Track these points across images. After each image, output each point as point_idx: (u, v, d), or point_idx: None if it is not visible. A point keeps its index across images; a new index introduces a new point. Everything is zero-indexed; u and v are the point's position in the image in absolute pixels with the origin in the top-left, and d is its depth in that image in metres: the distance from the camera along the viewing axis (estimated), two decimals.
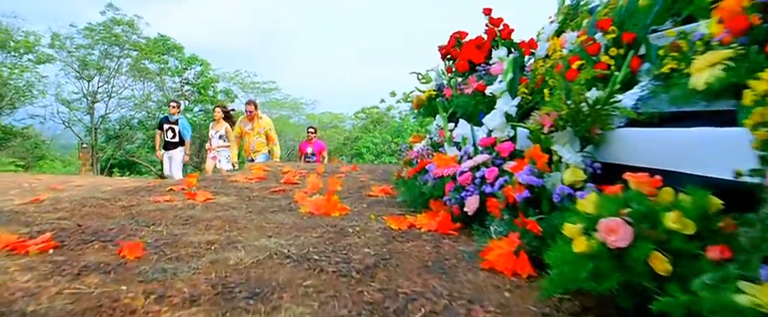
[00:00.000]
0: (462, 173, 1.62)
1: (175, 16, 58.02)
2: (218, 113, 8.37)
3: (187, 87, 27.19)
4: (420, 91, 3.06)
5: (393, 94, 29.05)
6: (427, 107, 2.58)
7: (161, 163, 8.98)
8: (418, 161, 2.09)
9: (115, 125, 23.84)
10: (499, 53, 2.11)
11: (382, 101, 29.16)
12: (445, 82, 2.61)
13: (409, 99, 3.09)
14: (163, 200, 2.31)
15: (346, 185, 2.86)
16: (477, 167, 1.59)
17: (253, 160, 7.40)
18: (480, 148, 1.70)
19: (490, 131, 1.67)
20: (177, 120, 8.48)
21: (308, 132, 9.35)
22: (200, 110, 27.01)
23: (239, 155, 8.63)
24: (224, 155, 7.87)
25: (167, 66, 26.32)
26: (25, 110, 22.43)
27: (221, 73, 27.35)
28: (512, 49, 2.16)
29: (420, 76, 3.02)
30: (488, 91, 1.76)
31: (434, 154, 2.06)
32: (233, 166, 7.76)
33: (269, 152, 7.74)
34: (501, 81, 1.65)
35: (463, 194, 1.57)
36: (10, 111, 22.39)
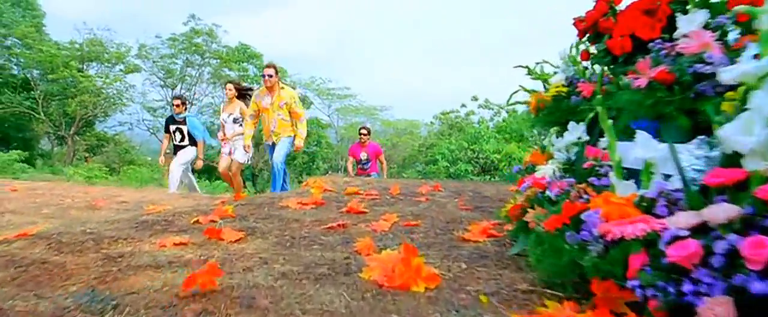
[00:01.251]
0: (673, 238, 0.80)
1: (255, 26, 59.90)
2: (230, 90, 6.68)
3: None
4: (526, 90, 2.23)
5: (475, 98, 27.96)
6: (552, 111, 1.74)
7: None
8: (558, 198, 1.24)
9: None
10: (695, 17, 1.24)
11: (463, 105, 28.11)
12: (578, 72, 1.76)
13: (512, 102, 2.25)
14: (170, 243, 1.62)
15: (430, 218, 2.07)
16: (707, 230, 0.76)
17: (273, 145, 5.88)
18: (694, 184, 0.88)
19: (727, 157, 0.83)
20: (184, 119, 7.05)
21: (360, 134, 7.95)
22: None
23: (257, 142, 7.09)
24: (240, 145, 6.29)
25: (247, 73, 26.75)
26: (115, 117, 23.57)
27: (297, 80, 27.44)
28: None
29: (534, 69, 2.18)
30: (726, 76, 0.89)
31: (584, 188, 1.21)
32: (246, 150, 6.12)
33: (291, 136, 5.93)
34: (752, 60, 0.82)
35: (686, 287, 0.73)
36: (102, 119, 23.59)
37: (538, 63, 2.17)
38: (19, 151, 11.37)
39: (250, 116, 5.96)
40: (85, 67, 21.22)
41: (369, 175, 7.49)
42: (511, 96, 2.27)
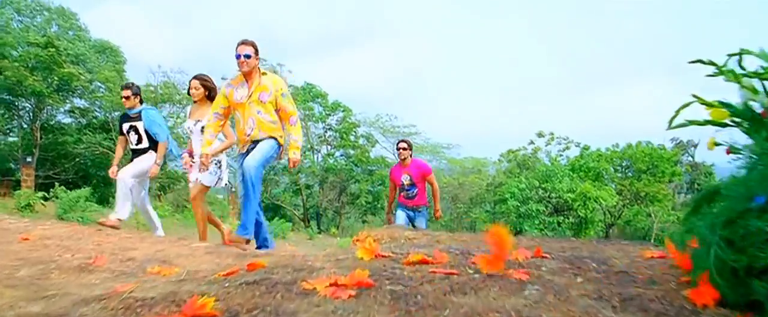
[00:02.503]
0: None
1: (321, 68, 61.26)
2: (197, 88, 4.92)
3: (329, 132, 27.43)
4: (703, 102, 1.34)
5: (541, 134, 26.55)
6: None
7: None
8: None
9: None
10: None
11: (531, 142, 26.78)
12: None
13: (679, 124, 1.36)
14: None
15: None
16: None
17: (246, 153, 4.11)
18: None
19: None
20: (139, 113, 5.37)
21: (399, 150, 6.12)
22: (341, 155, 26.97)
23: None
24: (212, 163, 4.64)
25: (312, 112, 26.78)
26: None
27: (362, 119, 27.16)
28: None
29: (725, 67, 1.29)
30: None
31: None
32: (204, 166, 4.23)
33: (277, 139, 4.13)
34: None
35: None
36: (172, 159, 24.15)
37: (731, 55, 1.28)
38: (87, 188, 11.32)
39: (216, 115, 4.12)
40: (158, 108, 21.81)
41: (417, 209, 6.26)
42: (676, 113, 1.38)
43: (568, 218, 23.13)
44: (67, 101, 20.33)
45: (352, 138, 26.81)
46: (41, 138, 20.42)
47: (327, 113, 27.35)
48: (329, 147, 27.49)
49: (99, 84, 21.23)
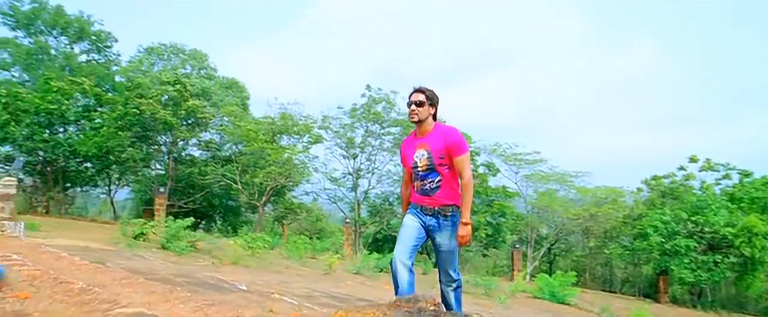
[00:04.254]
0: None
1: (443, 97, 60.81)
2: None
3: None
4: None
5: (694, 159, 23.14)
6: None
7: None
8: None
9: (376, 200, 24.18)
10: None
11: (681, 168, 23.44)
12: None
13: None
14: None
15: None
16: None
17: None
18: None
19: None
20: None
21: (410, 104, 3.27)
22: None
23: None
24: None
25: None
26: (302, 187, 24.49)
27: (482, 146, 25.80)
28: None
29: None
30: None
31: None
32: None
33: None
34: None
35: None
36: (292, 188, 24.69)
37: None
38: (191, 219, 11.38)
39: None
40: (277, 139, 22.43)
41: (441, 213, 3.23)
42: None
43: (728, 257, 19.60)
44: (195, 134, 21.57)
45: (471, 167, 25.51)
46: (175, 170, 21.83)
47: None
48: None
49: (224, 118, 22.37)
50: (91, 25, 23.97)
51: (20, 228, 6.31)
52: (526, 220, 24.09)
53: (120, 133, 18.86)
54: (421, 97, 3.24)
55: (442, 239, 3.24)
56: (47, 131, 20.03)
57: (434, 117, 3.28)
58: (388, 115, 22.83)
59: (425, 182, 3.23)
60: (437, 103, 3.29)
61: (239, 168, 21.40)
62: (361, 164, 23.50)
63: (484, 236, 22.69)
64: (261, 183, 20.58)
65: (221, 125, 22.65)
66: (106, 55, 24.85)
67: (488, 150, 25.22)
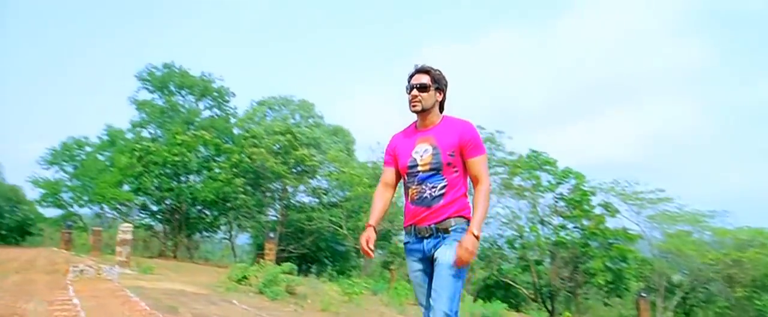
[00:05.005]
0: None
1: (552, 136, 58.35)
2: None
3: (561, 203, 24.89)
4: None
5: None
6: None
7: None
8: None
9: (484, 244, 23.24)
10: None
11: None
12: None
13: None
14: None
15: None
16: None
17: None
18: None
19: None
20: None
21: (410, 89, 2.43)
22: (575, 227, 24.08)
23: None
24: None
25: (539, 182, 24.80)
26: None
27: (597, 185, 24.06)
28: None
29: None
30: None
31: None
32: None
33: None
34: None
35: None
36: (397, 232, 24.51)
37: None
38: (288, 264, 11.52)
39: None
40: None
41: (435, 231, 2.38)
42: None
43: None
44: (303, 181, 22.34)
45: (585, 207, 23.76)
46: (285, 216, 22.69)
47: (557, 182, 24.99)
48: (560, 219, 24.79)
49: (330, 165, 23.02)
50: (212, 83, 26.25)
51: (115, 272, 6.68)
52: (653, 265, 21.72)
53: (234, 180, 20.04)
54: (425, 78, 2.38)
55: (441, 252, 2.32)
56: (174, 180, 21.85)
57: (442, 107, 2.48)
58: (494, 155, 22.12)
59: (425, 187, 2.30)
60: (446, 88, 2.46)
61: (345, 213, 21.71)
62: None
63: (603, 282, 20.77)
64: (363, 227, 20.66)
65: (328, 172, 23.30)
66: (225, 110, 26.95)
67: (605, 189, 23.42)
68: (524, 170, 23.60)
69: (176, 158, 20.42)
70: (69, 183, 24.44)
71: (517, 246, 23.74)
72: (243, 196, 20.24)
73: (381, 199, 2.59)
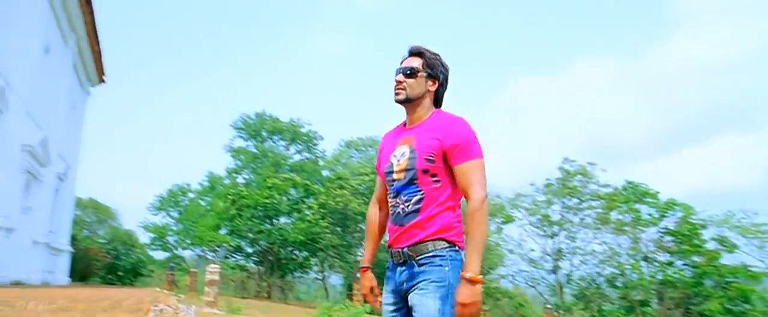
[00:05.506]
0: None
1: (653, 167, 54.28)
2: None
3: (666, 237, 22.98)
4: None
5: None
6: None
7: None
8: None
9: (581, 283, 21.81)
10: None
11: None
12: None
13: None
14: None
15: None
16: None
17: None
18: None
19: None
20: None
21: (398, 76, 1.90)
22: (684, 264, 22.03)
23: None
24: None
25: (639, 215, 23.14)
26: (497, 270, 23.35)
27: (708, 218, 22.01)
28: None
29: None
30: None
31: None
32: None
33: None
34: None
35: None
36: (487, 272, 23.74)
37: None
38: (367, 305, 11.42)
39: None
40: None
41: (406, 258, 1.76)
42: None
43: None
44: None
45: (695, 242, 21.70)
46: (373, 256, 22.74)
47: (660, 215, 23.17)
48: (667, 255, 22.79)
49: None
50: (300, 128, 27.42)
51: (193, 311, 6.92)
52: None
53: (321, 221, 20.50)
54: (416, 62, 1.89)
55: (417, 299, 1.70)
56: (266, 222, 22.76)
57: (438, 101, 1.94)
58: (586, 188, 21.00)
59: (399, 200, 1.80)
60: (443, 76, 1.92)
61: None
62: (562, 243, 21.68)
63: None
64: None
65: None
66: (314, 152, 27.95)
67: (717, 222, 21.32)
68: (621, 203, 22.12)
69: (267, 201, 21.30)
70: (174, 227, 26.30)
71: (618, 285, 22.03)
72: (330, 236, 20.60)
73: (372, 223, 2.03)
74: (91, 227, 26.16)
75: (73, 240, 19.10)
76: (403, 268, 1.77)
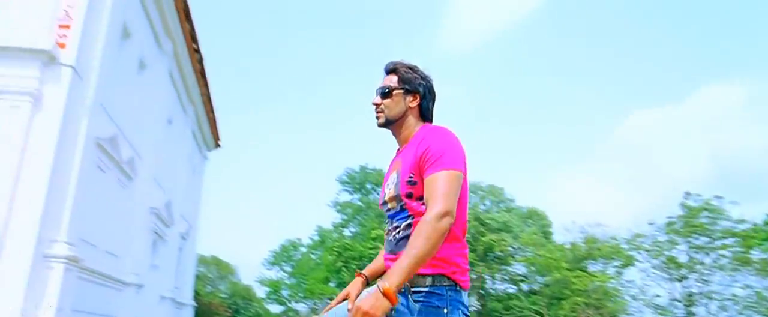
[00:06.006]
0: None
1: None
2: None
3: None
4: None
5: None
6: None
7: None
8: None
9: None
10: None
11: None
12: None
13: None
14: None
15: None
16: None
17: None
18: None
19: None
20: None
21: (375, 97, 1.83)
22: None
23: None
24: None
25: None
26: None
27: None
28: None
29: None
30: None
31: None
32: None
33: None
34: None
35: None
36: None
37: None
38: None
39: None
40: (583, 266, 20.70)
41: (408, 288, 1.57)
42: None
43: None
44: (494, 269, 21.62)
45: None
46: (483, 305, 21.97)
47: None
48: None
49: (528, 250, 21.99)
50: None
51: None
52: None
53: None
54: (391, 80, 1.76)
55: None
56: None
57: (424, 115, 1.78)
58: (716, 225, 18.97)
59: (391, 227, 1.69)
60: (424, 88, 1.77)
61: (546, 300, 20.24)
62: (692, 287, 19.56)
63: None
64: (566, 316, 18.87)
65: (524, 257, 22.26)
66: None
67: None
68: (762, 240, 19.64)
69: (372, 252, 21.54)
70: (287, 281, 27.32)
71: None
72: None
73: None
74: (213, 283, 27.94)
75: (196, 294, 20.49)
76: (401, 297, 1.53)
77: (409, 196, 1.60)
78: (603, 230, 20.77)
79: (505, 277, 22.62)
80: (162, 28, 12.93)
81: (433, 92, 1.79)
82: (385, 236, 1.73)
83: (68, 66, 8.39)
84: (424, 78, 1.78)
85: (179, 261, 16.60)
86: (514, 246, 21.77)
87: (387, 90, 1.75)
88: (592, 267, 20.70)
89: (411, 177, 1.61)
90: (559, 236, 27.26)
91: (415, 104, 1.75)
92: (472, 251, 19.97)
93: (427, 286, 1.51)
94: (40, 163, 7.92)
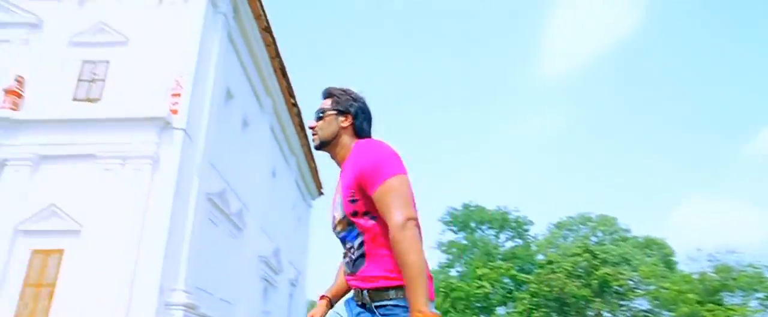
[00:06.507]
0: None
1: None
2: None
3: None
4: None
5: None
6: None
7: None
8: None
9: None
10: None
11: None
12: None
13: None
14: None
15: None
16: None
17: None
18: None
19: None
20: None
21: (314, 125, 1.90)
22: None
23: None
24: None
25: None
26: None
27: None
28: None
29: None
30: None
31: None
32: None
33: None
34: None
35: None
36: None
37: None
38: None
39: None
40: (717, 298, 18.60)
41: (363, 302, 1.59)
42: None
43: None
44: (613, 304, 20.05)
45: None
46: None
47: None
48: None
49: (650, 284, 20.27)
50: (508, 214, 27.02)
51: None
52: None
53: (534, 313, 19.32)
54: (325, 104, 1.84)
55: None
56: (483, 314, 22.23)
57: (359, 135, 1.81)
58: None
59: (346, 250, 1.72)
60: (356, 108, 1.81)
61: None
62: None
63: None
64: None
65: (649, 291, 20.49)
66: (525, 238, 27.06)
67: None
68: None
69: (478, 292, 20.97)
70: None
71: None
72: None
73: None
74: None
75: None
76: (362, 311, 1.60)
77: (355, 214, 1.63)
78: (737, 257, 18.67)
79: (627, 314, 20.86)
80: (262, 87, 13.97)
81: (367, 111, 1.83)
82: (343, 259, 1.75)
83: (180, 129, 9.33)
84: (357, 99, 1.82)
85: (290, 307, 17.23)
86: (634, 279, 20.14)
87: (321, 113, 1.81)
88: (729, 300, 18.54)
89: (352, 196, 1.64)
90: (684, 266, 24.83)
91: (347, 123, 1.79)
92: (587, 286, 18.80)
93: (391, 299, 1.53)
94: (159, 219, 8.77)
